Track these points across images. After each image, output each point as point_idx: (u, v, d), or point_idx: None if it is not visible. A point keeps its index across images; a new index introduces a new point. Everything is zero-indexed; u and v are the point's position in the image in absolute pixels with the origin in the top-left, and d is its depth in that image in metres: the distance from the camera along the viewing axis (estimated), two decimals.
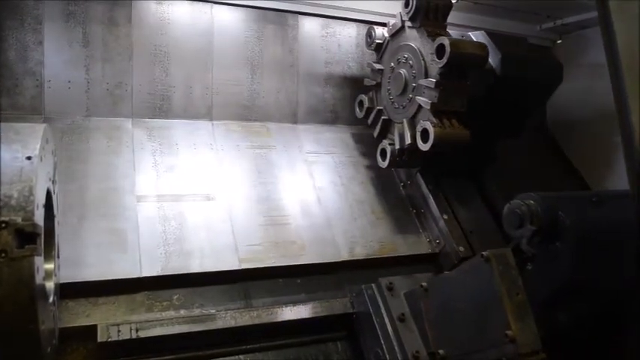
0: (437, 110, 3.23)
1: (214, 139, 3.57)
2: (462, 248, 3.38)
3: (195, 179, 3.28)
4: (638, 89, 1.50)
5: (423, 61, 3.32)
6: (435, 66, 3.19)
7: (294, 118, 3.93)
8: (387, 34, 3.72)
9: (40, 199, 1.70)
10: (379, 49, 3.79)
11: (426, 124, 3.20)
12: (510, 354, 2.18)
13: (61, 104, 3.27)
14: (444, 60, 3.09)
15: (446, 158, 3.46)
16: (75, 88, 3.31)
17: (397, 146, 3.45)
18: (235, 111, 3.75)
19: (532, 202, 2.79)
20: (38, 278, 1.61)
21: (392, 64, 3.65)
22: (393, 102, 3.63)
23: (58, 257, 2.29)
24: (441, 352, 2.49)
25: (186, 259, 2.89)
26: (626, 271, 2.56)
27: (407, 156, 3.49)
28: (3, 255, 1.49)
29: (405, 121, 3.41)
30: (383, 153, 3.58)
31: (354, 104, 4.01)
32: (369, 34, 3.82)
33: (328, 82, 4.08)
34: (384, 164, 3.57)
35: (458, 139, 3.21)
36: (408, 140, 3.34)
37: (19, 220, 1.51)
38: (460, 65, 3.18)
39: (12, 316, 1.55)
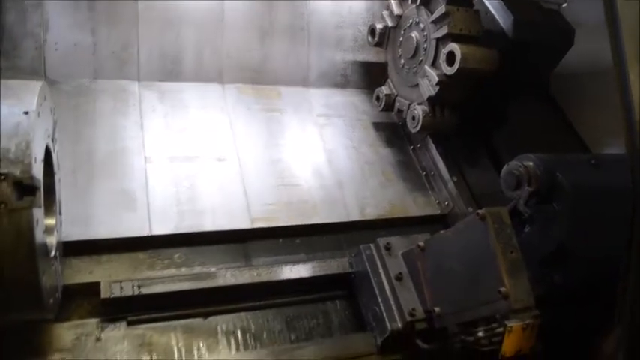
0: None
1: (225, 101, 3.59)
2: (470, 210, 3.39)
3: (207, 141, 3.32)
4: (638, 60, 1.49)
5: None
6: None
7: (305, 82, 3.94)
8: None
9: (39, 153, 1.73)
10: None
11: (452, 45, 3.20)
12: (503, 310, 2.23)
13: (65, 67, 3.27)
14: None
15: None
16: (80, 50, 3.32)
17: (426, 93, 3.43)
18: (246, 74, 3.76)
19: (530, 163, 2.81)
20: (38, 230, 1.66)
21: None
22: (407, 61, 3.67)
23: (60, 214, 2.34)
24: (436, 309, 2.54)
25: (198, 218, 2.94)
26: (622, 235, 2.58)
27: (440, 111, 3.51)
28: (2, 206, 1.53)
29: (427, 67, 3.42)
30: (413, 118, 3.59)
31: (365, 69, 4.04)
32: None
33: (339, 45, 4.07)
34: (416, 128, 3.57)
35: (485, 58, 3.23)
36: (435, 80, 3.33)
37: (17, 172, 1.54)
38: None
39: (12, 267, 1.59)
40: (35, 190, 1.60)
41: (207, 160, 3.23)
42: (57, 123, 2.26)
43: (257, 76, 3.78)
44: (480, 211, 2.29)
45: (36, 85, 1.80)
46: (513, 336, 2.77)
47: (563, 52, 3.84)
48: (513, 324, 2.73)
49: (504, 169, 2.88)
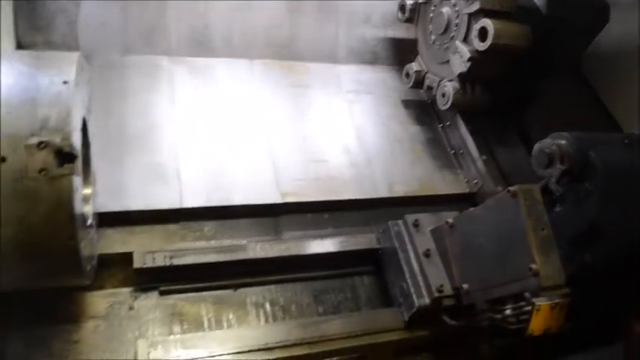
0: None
1: (254, 77, 3.60)
2: (500, 188, 3.34)
3: (236, 116, 3.34)
4: None
5: None
6: None
7: (333, 58, 3.93)
8: None
9: (77, 122, 1.77)
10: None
11: (485, 20, 3.15)
12: (532, 287, 2.22)
13: (97, 42, 3.30)
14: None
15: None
16: (112, 26, 3.35)
17: (457, 70, 3.39)
18: (275, 50, 3.76)
19: (563, 141, 2.76)
20: (77, 198, 1.70)
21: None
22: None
23: (94, 185, 2.39)
24: (464, 286, 2.53)
25: (227, 191, 2.98)
26: None
27: (471, 89, 3.47)
28: (43, 173, 1.57)
29: (458, 42, 3.38)
30: (443, 95, 3.55)
31: (395, 46, 4.00)
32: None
33: (368, 21, 4.03)
34: (445, 105, 3.54)
35: (517, 34, 3.17)
36: (466, 56, 3.29)
37: (58, 140, 1.58)
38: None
39: (54, 232, 1.64)
40: (75, 157, 1.64)
41: (236, 135, 3.25)
42: (91, 96, 2.29)
43: (286, 52, 3.78)
44: (511, 188, 2.27)
45: (73, 56, 1.83)
46: (541, 315, 2.77)
47: (598, 30, 3.75)
48: (542, 303, 2.74)
49: (536, 146, 2.85)
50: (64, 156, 1.60)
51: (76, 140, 1.69)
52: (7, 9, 2.77)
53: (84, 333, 2.48)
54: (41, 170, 1.57)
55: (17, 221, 1.59)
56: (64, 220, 1.64)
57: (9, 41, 2.78)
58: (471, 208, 2.63)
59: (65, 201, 1.62)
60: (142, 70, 3.35)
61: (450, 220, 2.63)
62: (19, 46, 2.97)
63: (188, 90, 3.36)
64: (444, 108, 3.55)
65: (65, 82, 1.66)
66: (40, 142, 1.57)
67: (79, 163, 1.71)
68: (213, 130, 3.22)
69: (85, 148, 2.12)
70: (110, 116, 3.05)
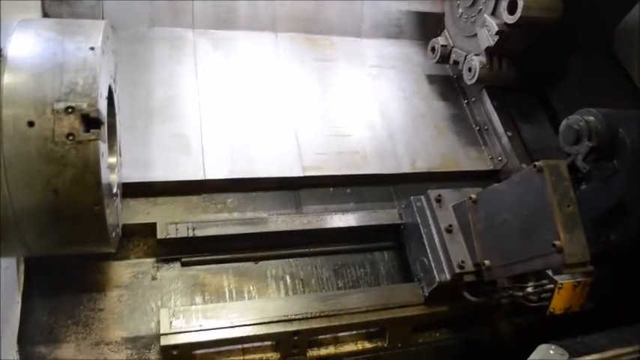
0: None
1: (278, 50, 3.58)
2: (524, 166, 3.31)
3: (259, 90, 3.33)
4: None
5: None
6: None
7: (358, 32, 3.88)
8: None
9: (104, 90, 1.77)
10: None
11: None
12: (556, 264, 2.19)
13: (123, 14, 3.30)
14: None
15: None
16: None
17: (485, 44, 3.33)
18: (299, 24, 3.73)
19: (591, 117, 2.71)
20: (103, 163, 1.71)
21: None
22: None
23: (120, 155, 2.41)
24: (486, 262, 2.51)
25: (250, 164, 2.99)
26: None
27: (498, 63, 3.41)
28: (71, 138, 1.59)
29: (486, 15, 3.31)
30: (470, 69, 3.49)
31: (420, 20, 3.94)
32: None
33: None
34: (472, 80, 3.48)
35: (548, 6, 3.10)
36: (494, 29, 3.22)
37: (84, 105, 1.59)
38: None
39: (80, 197, 1.66)
40: (101, 123, 1.65)
41: (259, 108, 3.25)
42: (117, 66, 2.30)
43: (310, 25, 3.74)
44: (537, 163, 2.23)
45: (100, 24, 1.83)
46: (563, 293, 2.76)
47: (629, 6, 3.63)
48: (564, 280, 2.73)
49: (564, 122, 2.80)
50: (91, 121, 1.61)
51: (103, 106, 1.70)
52: None
53: (108, 302, 2.54)
54: (68, 135, 1.58)
55: (44, 185, 1.61)
56: (90, 185, 1.66)
57: (36, 10, 2.79)
58: (495, 184, 2.60)
59: (92, 166, 1.63)
60: (167, 43, 3.35)
61: (474, 196, 2.61)
62: (45, 16, 2.98)
63: (212, 62, 3.36)
64: (470, 83, 3.49)
65: (92, 49, 1.67)
66: (68, 107, 1.58)
67: (105, 129, 1.72)
68: (237, 102, 3.22)
69: (111, 116, 2.13)
70: (136, 88, 3.07)
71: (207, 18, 3.50)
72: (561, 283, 2.70)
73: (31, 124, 1.56)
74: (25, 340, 2.32)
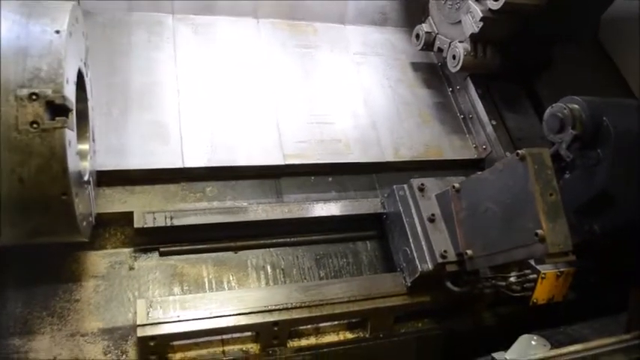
0: None
1: (260, 37, 3.52)
2: (508, 154, 3.27)
3: (240, 76, 3.28)
4: None
5: None
6: None
7: (341, 19, 3.83)
8: None
9: (71, 75, 1.70)
10: None
11: None
12: (539, 253, 2.16)
13: None
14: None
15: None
16: None
17: (469, 30, 3.28)
18: (282, 9, 3.67)
19: (575, 105, 2.68)
20: (70, 151, 1.65)
21: None
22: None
23: (94, 141, 2.34)
24: (469, 252, 2.48)
25: (230, 152, 2.94)
26: None
27: (482, 50, 3.37)
28: (35, 126, 1.52)
29: (470, 2, 3.26)
30: (454, 57, 3.44)
31: (404, 7, 3.92)
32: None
33: None
34: (456, 68, 3.43)
35: None
36: (478, 16, 3.18)
37: (49, 92, 1.52)
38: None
39: (46, 186, 1.60)
40: (68, 110, 1.58)
41: (240, 95, 3.19)
42: (89, 50, 2.22)
43: (292, 11, 3.69)
44: (520, 151, 2.19)
45: (67, 5, 1.75)
46: (546, 283, 2.75)
47: None
48: (547, 270, 2.71)
49: (548, 110, 2.77)
50: (57, 108, 1.55)
51: (70, 92, 1.63)
52: None
53: (84, 292, 2.48)
54: (32, 123, 1.52)
55: (9, 174, 1.55)
56: (57, 174, 1.60)
57: None
58: (478, 172, 2.57)
59: (58, 155, 1.57)
60: (145, 28, 3.29)
61: (457, 185, 2.58)
62: None
63: (192, 49, 3.29)
64: (454, 70, 3.45)
65: (57, 32, 1.59)
66: (31, 94, 1.51)
67: (72, 116, 1.65)
68: (217, 89, 3.16)
69: (81, 102, 2.06)
70: (112, 74, 3.00)
71: (187, 3, 3.43)
72: (544, 273, 2.69)
73: None
74: None
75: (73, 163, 1.71)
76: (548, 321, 2.64)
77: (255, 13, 3.60)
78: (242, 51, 3.40)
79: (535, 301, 2.75)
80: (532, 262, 2.68)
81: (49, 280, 2.46)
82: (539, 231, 2.10)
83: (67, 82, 1.62)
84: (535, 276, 2.69)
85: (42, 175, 1.57)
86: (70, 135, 1.65)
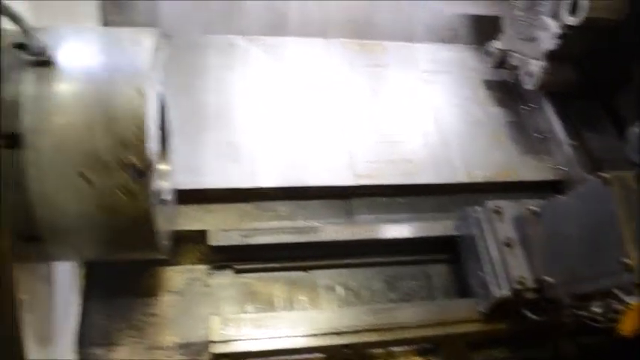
0: None
1: (329, 56, 3.57)
2: (588, 177, 3.11)
3: (311, 96, 3.32)
4: None
5: None
6: None
7: (410, 36, 3.81)
8: None
9: (153, 125, 1.73)
10: None
11: None
12: (625, 283, 2.06)
13: (177, 22, 3.38)
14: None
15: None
16: (191, 6, 3.42)
17: (545, 47, 3.19)
18: (351, 29, 3.70)
19: None
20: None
21: None
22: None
23: (172, 162, 2.41)
24: (548, 279, 2.39)
25: (301, 172, 2.97)
26: None
27: (559, 68, 3.25)
28: (123, 191, 1.58)
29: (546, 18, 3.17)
30: (529, 74, 3.34)
31: (475, 23, 3.85)
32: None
33: None
34: (531, 86, 3.34)
35: (611, 6, 2.92)
36: (555, 32, 3.08)
37: (134, 159, 1.55)
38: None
39: (130, 207, 1.65)
40: (151, 171, 1.64)
41: (310, 114, 3.23)
42: (168, 74, 2.29)
43: (361, 30, 3.70)
44: (604, 175, 2.10)
45: (148, 44, 1.75)
46: (633, 314, 2.58)
47: None
48: (634, 301, 2.55)
49: (633, 130, 2.64)
50: (141, 171, 1.60)
51: (152, 154, 1.68)
52: None
53: (161, 307, 2.57)
54: (120, 187, 1.59)
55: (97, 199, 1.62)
56: (146, 236, 1.70)
57: (94, 18, 2.86)
58: (558, 196, 2.47)
59: (145, 216, 1.67)
60: (219, 50, 3.39)
61: (535, 208, 2.49)
62: (105, 24, 3.05)
63: (263, 69, 3.37)
64: (529, 88, 3.35)
65: (140, 93, 1.62)
66: (119, 161, 1.56)
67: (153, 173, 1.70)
68: (288, 109, 3.21)
69: (162, 125, 2.14)
70: (188, 95, 3.11)
71: (258, 25, 3.52)
72: (631, 304, 2.54)
73: (88, 181, 1.57)
74: (82, 341, 2.39)
75: (154, 185, 1.76)
76: (636, 353, 2.49)
77: (324, 33, 3.64)
78: (312, 71, 3.45)
79: (621, 332, 2.59)
80: (617, 290, 2.54)
81: (128, 294, 2.57)
82: (626, 260, 2.00)
83: (151, 141, 1.65)
84: (621, 307, 2.54)
85: (127, 196, 1.63)
86: (154, 184, 1.71)
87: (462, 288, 2.82)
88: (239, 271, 2.70)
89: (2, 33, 1.48)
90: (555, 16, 3.12)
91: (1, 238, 1.14)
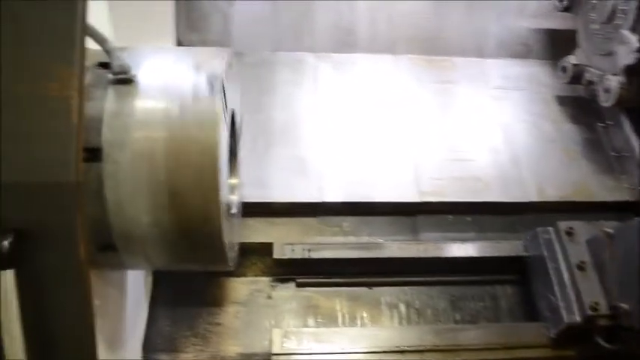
0: None
1: (398, 72, 3.56)
2: None
3: (378, 112, 3.32)
4: None
5: None
6: None
7: (481, 52, 3.75)
8: None
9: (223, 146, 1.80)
10: None
11: None
12: None
13: (249, 40, 3.50)
14: None
15: None
16: (262, 23, 3.53)
17: (623, 62, 3.03)
18: (419, 45, 3.68)
19: None
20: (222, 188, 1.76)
21: None
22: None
23: (240, 176, 2.47)
24: (624, 306, 2.27)
25: (366, 187, 2.97)
26: None
27: (635, 84, 3.07)
28: None
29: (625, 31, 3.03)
30: (606, 90, 3.19)
31: (549, 38, 3.75)
32: None
33: (521, 12, 3.81)
34: (609, 102, 3.18)
35: None
36: (635, 46, 2.93)
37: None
38: None
39: (201, 221, 1.71)
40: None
41: (377, 130, 3.23)
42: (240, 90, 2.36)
43: (430, 46, 3.68)
44: None
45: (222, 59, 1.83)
46: None
47: None
48: None
49: None
50: None
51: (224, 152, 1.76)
52: (168, 9, 2.98)
53: (225, 317, 2.62)
54: None
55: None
56: (211, 208, 1.72)
57: (170, 37, 3.00)
58: (636, 218, 2.34)
59: (217, 232, 1.76)
60: (288, 66, 3.46)
61: (610, 230, 2.37)
62: (179, 44, 3.19)
63: (332, 85, 3.40)
64: (606, 105, 3.20)
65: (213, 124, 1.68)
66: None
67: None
68: (355, 125, 3.23)
69: (232, 139, 2.20)
70: (258, 110, 3.18)
71: (327, 41, 3.58)
72: None
73: None
74: (148, 346, 2.47)
75: (224, 197, 1.82)
76: None
77: (393, 50, 3.65)
78: (379, 87, 3.45)
79: None
80: None
81: (193, 303, 2.63)
82: None
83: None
84: None
85: (198, 210, 1.69)
86: (223, 176, 1.76)
87: (529, 311, 2.71)
88: (301, 285, 2.71)
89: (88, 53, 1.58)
90: (635, 29, 2.98)
91: (81, 247, 1.21)
